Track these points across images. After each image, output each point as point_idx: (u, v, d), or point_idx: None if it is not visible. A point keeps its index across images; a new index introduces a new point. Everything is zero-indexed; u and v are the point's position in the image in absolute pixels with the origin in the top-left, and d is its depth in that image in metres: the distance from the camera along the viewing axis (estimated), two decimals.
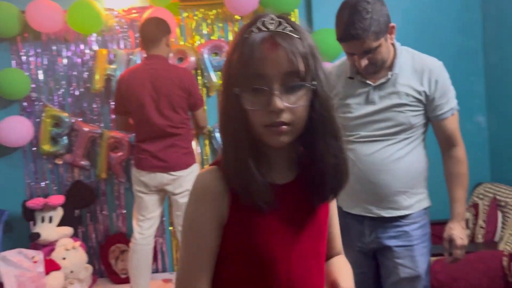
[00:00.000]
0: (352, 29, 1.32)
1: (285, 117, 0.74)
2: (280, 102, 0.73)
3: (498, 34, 2.78)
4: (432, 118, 1.48)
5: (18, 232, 2.82)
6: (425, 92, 1.43)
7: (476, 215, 2.54)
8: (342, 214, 1.56)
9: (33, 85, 2.83)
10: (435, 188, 1.69)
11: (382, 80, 1.43)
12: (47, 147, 2.82)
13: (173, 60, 2.86)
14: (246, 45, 0.74)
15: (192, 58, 2.84)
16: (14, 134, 2.73)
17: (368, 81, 1.45)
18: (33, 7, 2.65)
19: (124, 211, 2.91)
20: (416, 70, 1.43)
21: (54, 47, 2.84)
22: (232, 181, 0.78)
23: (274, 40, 0.73)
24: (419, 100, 1.43)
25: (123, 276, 2.76)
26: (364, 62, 1.37)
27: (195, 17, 2.91)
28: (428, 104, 1.45)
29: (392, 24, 1.39)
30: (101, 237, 2.90)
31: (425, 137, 1.54)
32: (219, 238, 0.80)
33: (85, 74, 2.85)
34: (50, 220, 2.64)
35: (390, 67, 1.43)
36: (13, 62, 2.82)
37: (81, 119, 2.85)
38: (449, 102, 1.46)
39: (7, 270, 2.39)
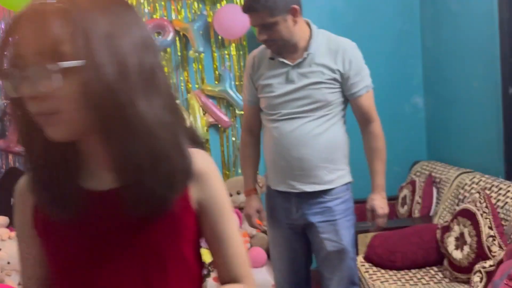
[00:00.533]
0: (251, 1, 1.46)
1: (45, 105, 0.61)
2: (29, 88, 0.60)
3: (434, 18, 2.90)
4: (348, 96, 1.59)
5: None
6: (339, 70, 1.54)
7: (413, 192, 2.68)
8: (271, 192, 1.67)
9: None
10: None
11: (299, 60, 1.54)
12: None
13: None
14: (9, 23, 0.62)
15: None
16: None
17: (286, 61, 1.55)
18: None
19: None
20: (331, 50, 1.54)
21: None
22: (30, 182, 0.69)
23: (28, 17, 0.61)
24: (334, 79, 1.54)
25: None
26: (263, 36, 1.49)
27: None
28: (343, 83, 1.56)
29: (294, 6, 1.49)
30: None
31: (344, 115, 1.63)
32: (37, 242, 0.72)
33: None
34: None
35: (306, 48, 1.54)
36: None
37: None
38: (363, 80, 1.57)
39: None
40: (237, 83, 2.94)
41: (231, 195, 2.86)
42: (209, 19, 2.87)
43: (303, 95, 1.54)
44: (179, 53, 2.89)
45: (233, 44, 2.93)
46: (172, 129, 0.67)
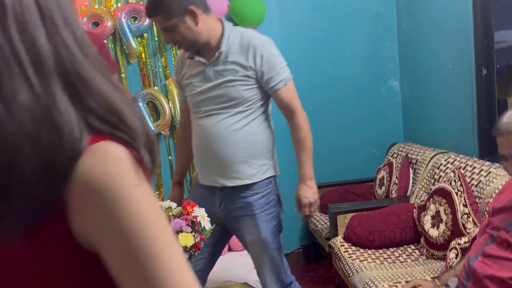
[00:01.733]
0: (148, 7, 1.54)
1: None
2: None
3: (409, 1, 2.93)
4: (268, 91, 1.61)
5: None
6: (251, 67, 1.55)
7: (390, 173, 2.74)
8: (198, 185, 1.74)
9: None
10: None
11: (213, 59, 1.57)
12: None
13: (88, 25, 2.68)
14: None
15: (109, 23, 2.68)
16: None
17: (202, 60, 1.59)
18: None
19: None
20: (243, 47, 1.56)
21: None
22: None
23: None
24: (248, 76, 1.56)
25: None
26: (167, 39, 1.56)
27: None
28: (259, 79, 1.58)
29: (190, 7, 1.50)
30: None
31: (267, 110, 1.66)
32: None
33: None
34: None
35: (218, 46, 1.57)
36: None
37: None
38: (279, 74, 1.57)
39: None
40: None
41: None
42: None
43: (219, 93, 1.57)
44: (156, 39, 2.85)
45: None
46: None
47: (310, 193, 1.64)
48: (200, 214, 1.63)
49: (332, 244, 2.38)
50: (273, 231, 1.69)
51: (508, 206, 1.39)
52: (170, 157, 2.94)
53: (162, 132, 2.87)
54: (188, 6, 1.50)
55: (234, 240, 2.61)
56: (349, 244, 2.30)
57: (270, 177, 1.66)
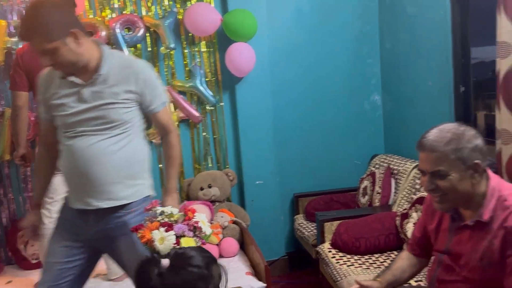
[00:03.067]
0: (22, 30, 1.45)
1: None
2: None
3: (392, 21, 3.11)
4: (147, 112, 1.63)
5: None
6: (133, 90, 1.55)
7: (373, 183, 2.87)
8: (67, 209, 1.67)
9: None
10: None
11: (91, 80, 1.53)
12: None
13: None
14: None
15: (103, 33, 2.73)
16: None
17: (78, 81, 1.54)
18: None
19: (32, 194, 2.75)
20: (123, 70, 1.55)
21: None
22: None
23: None
24: (128, 98, 1.56)
25: (34, 262, 2.62)
26: (46, 62, 1.47)
27: None
28: (140, 101, 1.58)
29: (73, 30, 1.46)
30: (7, 222, 2.70)
31: (142, 130, 1.66)
32: None
33: None
34: None
35: (97, 69, 1.54)
36: None
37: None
38: (158, 97, 1.61)
39: None
40: (207, 79, 3.00)
41: (202, 189, 2.93)
42: (179, 16, 2.91)
43: (98, 114, 1.54)
44: (149, 49, 2.91)
45: (203, 42, 2.99)
46: None
47: (176, 203, 1.71)
48: (201, 220, 1.70)
49: (320, 250, 2.48)
50: None
51: (444, 228, 1.42)
52: (160, 165, 3.00)
53: (154, 141, 2.93)
54: (71, 29, 1.45)
55: (224, 245, 2.68)
56: (336, 250, 2.41)
57: (147, 196, 1.66)
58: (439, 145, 1.29)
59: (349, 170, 3.27)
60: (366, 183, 2.95)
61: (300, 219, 3.10)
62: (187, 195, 3.00)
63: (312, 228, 2.87)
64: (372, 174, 2.93)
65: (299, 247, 3.13)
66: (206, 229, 1.70)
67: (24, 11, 1.44)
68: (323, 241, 2.53)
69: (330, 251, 2.42)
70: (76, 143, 1.56)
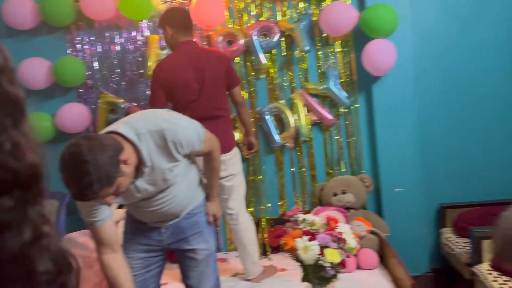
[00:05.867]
0: (83, 196, 1.33)
1: None
2: None
3: None
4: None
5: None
6: (177, 157, 1.55)
7: None
8: (135, 223, 1.74)
9: (88, 72, 2.91)
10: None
11: (139, 174, 1.51)
12: None
13: (222, 43, 2.85)
14: None
15: (241, 41, 2.83)
16: (72, 121, 2.83)
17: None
18: None
19: None
20: (160, 146, 1.51)
21: (107, 34, 2.90)
22: None
23: None
24: (177, 160, 1.56)
25: None
26: (111, 198, 1.41)
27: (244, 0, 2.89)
28: (185, 154, 1.60)
29: (123, 157, 1.39)
30: None
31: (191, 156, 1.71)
32: None
33: (138, 60, 2.90)
34: None
35: (142, 161, 1.50)
36: (69, 51, 2.91)
37: (135, 104, 2.91)
38: (196, 143, 1.61)
39: (74, 251, 2.49)
40: (341, 80, 2.89)
41: (335, 194, 2.82)
42: (314, 18, 2.86)
43: (163, 187, 1.59)
44: (283, 54, 2.92)
45: (338, 42, 2.89)
46: None
47: (219, 209, 1.84)
48: (345, 231, 1.61)
49: (476, 271, 2.17)
50: (216, 244, 1.84)
51: None
52: (293, 169, 2.98)
53: (287, 144, 2.93)
54: (118, 157, 1.37)
55: (362, 257, 2.52)
56: (499, 273, 2.07)
57: (205, 196, 1.80)
58: None
59: (510, 179, 2.83)
60: None
61: (447, 232, 2.78)
62: (319, 200, 2.93)
63: (464, 244, 2.54)
64: None
65: (446, 264, 2.81)
66: (351, 241, 1.60)
67: (70, 171, 1.31)
68: (480, 261, 2.21)
69: (490, 273, 2.09)
70: (149, 204, 1.62)
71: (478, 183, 2.88)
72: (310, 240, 1.51)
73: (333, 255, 1.49)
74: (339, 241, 1.55)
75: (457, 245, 2.57)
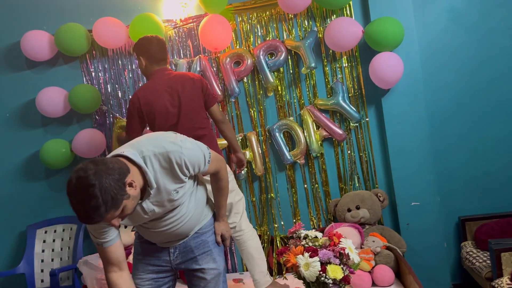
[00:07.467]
0: (89, 219, 1.33)
1: None
2: None
3: None
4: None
5: None
6: (183, 178, 1.55)
7: None
8: (144, 244, 1.75)
9: (103, 98, 3.01)
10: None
11: (145, 196, 1.52)
12: None
13: (230, 64, 2.91)
14: None
15: (249, 61, 2.87)
16: (88, 146, 2.92)
17: (140, 201, 1.52)
18: (99, 25, 2.83)
19: None
20: (165, 167, 1.51)
21: (119, 62, 3.01)
22: None
23: None
24: (183, 181, 1.56)
25: None
26: (118, 220, 1.41)
27: (250, 21, 2.95)
28: (191, 175, 1.60)
29: (129, 180, 1.38)
30: None
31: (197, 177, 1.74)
32: None
33: None
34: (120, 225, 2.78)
35: (147, 183, 1.50)
36: (84, 79, 3.03)
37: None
38: (202, 163, 1.61)
39: (89, 273, 2.55)
40: (350, 95, 2.89)
41: (349, 210, 2.78)
42: (320, 35, 2.88)
43: (170, 208, 1.60)
44: (291, 71, 2.95)
45: (345, 57, 2.89)
46: None
47: (228, 228, 1.83)
48: (348, 246, 1.58)
49: (496, 285, 2.08)
50: (224, 263, 1.82)
51: None
52: (305, 186, 2.96)
53: (298, 161, 2.92)
54: (124, 180, 1.37)
55: (377, 273, 2.45)
56: None
57: (212, 215, 1.81)
58: None
59: None
60: None
61: (468, 246, 2.68)
62: (333, 217, 2.89)
63: (484, 258, 2.44)
64: None
65: (468, 279, 2.70)
66: (354, 256, 1.57)
67: (77, 195, 1.31)
68: (500, 275, 2.12)
69: (510, 286, 2.00)
70: (160, 224, 1.64)
71: (498, 193, 2.78)
72: (311, 256, 1.49)
73: (335, 271, 1.47)
74: (342, 256, 1.53)
75: (478, 259, 2.48)
